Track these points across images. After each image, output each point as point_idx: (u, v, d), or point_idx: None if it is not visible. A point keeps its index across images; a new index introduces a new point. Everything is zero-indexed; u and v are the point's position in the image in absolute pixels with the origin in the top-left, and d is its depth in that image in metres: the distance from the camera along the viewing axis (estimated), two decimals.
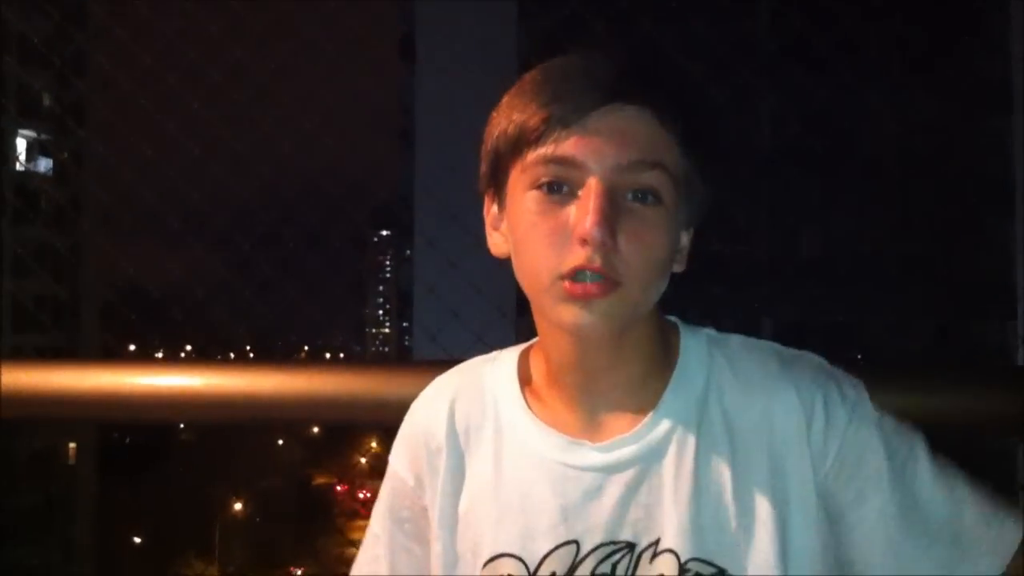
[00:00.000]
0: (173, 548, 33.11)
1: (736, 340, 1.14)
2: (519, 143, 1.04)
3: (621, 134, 1.01)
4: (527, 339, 1.22)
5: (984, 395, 1.50)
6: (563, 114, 1.01)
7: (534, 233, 1.03)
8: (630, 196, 1.01)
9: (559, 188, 1.02)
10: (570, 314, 1.02)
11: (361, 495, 39.94)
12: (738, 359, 1.12)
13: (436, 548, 1.16)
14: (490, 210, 1.13)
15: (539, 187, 1.03)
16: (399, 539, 1.22)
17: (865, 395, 1.09)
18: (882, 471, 1.05)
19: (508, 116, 1.06)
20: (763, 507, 1.05)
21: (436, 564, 1.16)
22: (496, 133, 1.08)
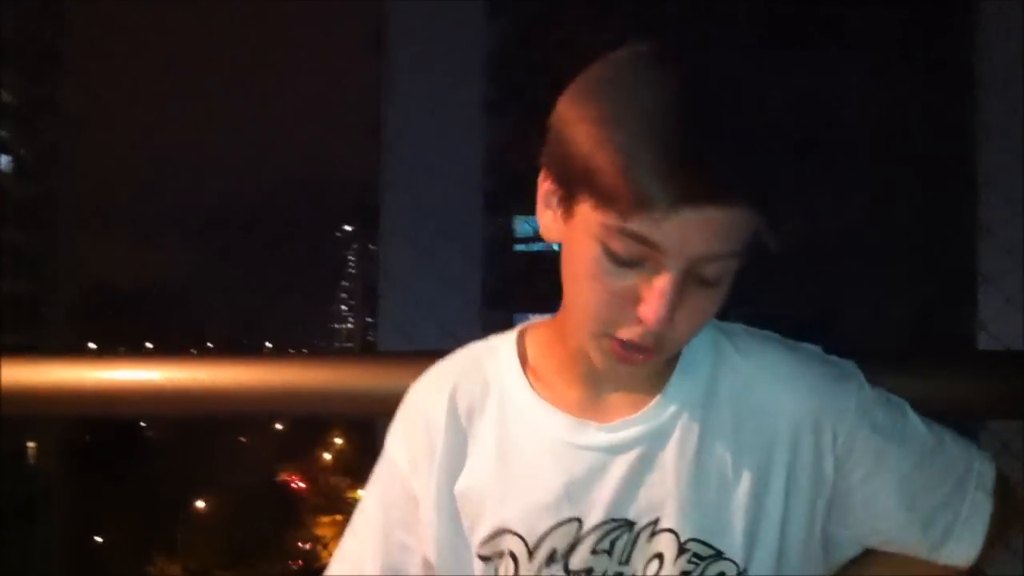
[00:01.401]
0: (136, 547, 32.84)
1: (740, 328, 1.16)
2: (608, 195, 0.94)
3: (714, 229, 0.94)
4: (494, 332, 1.23)
5: (943, 379, 1.52)
6: (665, 201, 0.91)
7: (595, 287, 0.99)
8: (696, 280, 0.98)
9: (632, 261, 0.97)
10: (609, 366, 1.04)
11: (294, 485, 40.34)
12: (744, 347, 1.13)
13: (430, 532, 1.15)
14: (544, 185, 1.06)
15: (612, 253, 0.97)
16: (391, 520, 1.20)
17: (862, 376, 1.13)
18: (888, 444, 1.11)
19: (609, 140, 0.93)
20: (763, 492, 1.08)
21: (431, 548, 1.15)
22: (589, 144, 0.95)
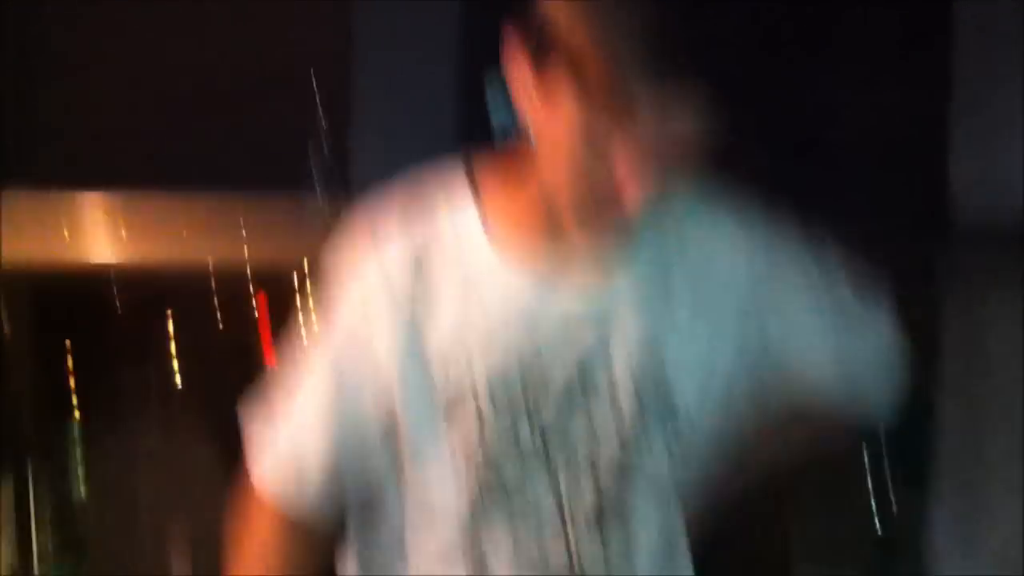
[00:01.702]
0: (111, 415, 33.06)
1: (693, 190, 1.18)
2: (589, 79, 1.00)
3: (685, 109, 1.01)
4: None
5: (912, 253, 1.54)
6: (643, 84, 0.99)
7: (574, 167, 1.04)
8: (669, 146, 1.04)
9: (611, 140, 1.02)
10: (586, 231, 1.09)
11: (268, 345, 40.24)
12: (697, 211, 1.18)
13: (391, 384, 1.13)
14: (520, 67, 1.07)
15: (591, 132, 1.02)
16: (344, 372, 1.16)
17: (802, 239, 1.22)
18: (823, 304, 1.22)
19: (594, 36, 1.01)
20: (715, 350, 1.16)
21: (394, 398, 1.13)
22: (576, 37, 1.02)
